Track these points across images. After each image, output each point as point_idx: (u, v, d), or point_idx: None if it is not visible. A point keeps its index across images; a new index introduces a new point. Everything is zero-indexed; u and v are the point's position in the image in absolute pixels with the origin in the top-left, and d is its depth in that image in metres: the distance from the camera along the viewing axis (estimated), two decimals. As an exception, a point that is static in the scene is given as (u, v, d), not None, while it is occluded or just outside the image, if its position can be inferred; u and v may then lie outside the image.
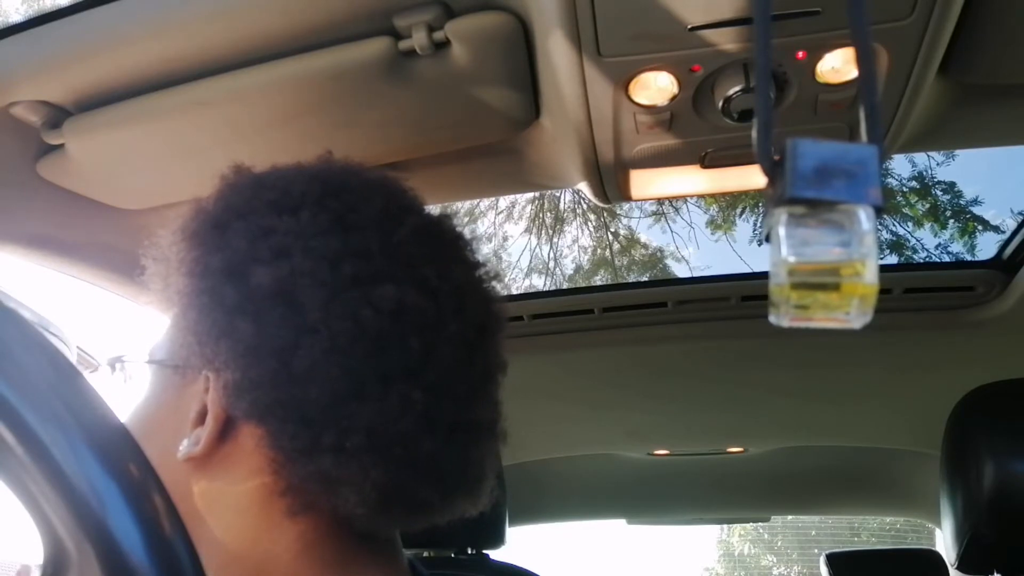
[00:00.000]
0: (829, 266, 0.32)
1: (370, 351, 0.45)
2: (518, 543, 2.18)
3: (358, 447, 0.44)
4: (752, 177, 0.83)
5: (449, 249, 0.53)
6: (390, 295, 0.46)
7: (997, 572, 0.93)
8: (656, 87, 0.69)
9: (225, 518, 0.47)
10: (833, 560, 1.83)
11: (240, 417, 0.46)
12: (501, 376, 0.54)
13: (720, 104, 0.68)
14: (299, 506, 0.47)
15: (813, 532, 8.65)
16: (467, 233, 0.55)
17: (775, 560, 9.45)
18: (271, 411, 0.45)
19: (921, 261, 2.87)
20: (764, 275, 0.32)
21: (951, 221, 2.84)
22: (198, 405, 0.48)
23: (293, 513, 0.47)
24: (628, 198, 0.89)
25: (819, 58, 0.65)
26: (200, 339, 0.47)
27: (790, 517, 7.92)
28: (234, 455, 0.47)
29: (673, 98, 0.70)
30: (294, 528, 0.47)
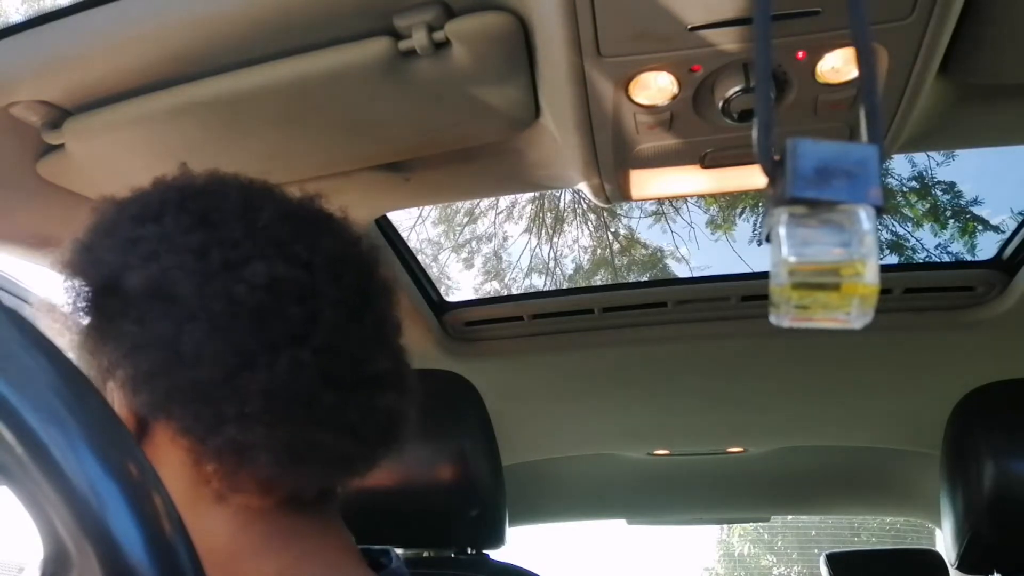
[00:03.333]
0: (829, 266, 0.32)
1: (251, 324, 0.49)
2: (518, 543, 2.18)
3: (258, 411, 0.48)
4: (752, 177, 0.83)
5: (316, 227, 0.56)
6: (260, 271, 0.49)
7: (997, 572, 0.93)
8: (656, 87, 0.69)
9: None
10: (833, 560, 1.83)
11: (148, 415, 0.50)
12: (397, 336, 0.58)
13: (720, 104, 0.68)
14: (225, 488, 0.50)
15: (813, 532, 8.64)
16: (337, 213, 0.59)
17: (775, 560, 9.44)
18: (171, 397, 0.48)
19: (921, 261, 2.88)
20: (764, 275, 0.32)
21: (951, 221, 2.84)
22: None
23: (221, 497, 0.50)
24: (628, 198, 0.89)
25: (819, 58, 0.65)
26: (93, 352, 0.51)
27: (790, 517, 7.92)
28: (157, 456, 0.50)
29: (673, 98, 0.70)
30: (225, 511, 0.51)
